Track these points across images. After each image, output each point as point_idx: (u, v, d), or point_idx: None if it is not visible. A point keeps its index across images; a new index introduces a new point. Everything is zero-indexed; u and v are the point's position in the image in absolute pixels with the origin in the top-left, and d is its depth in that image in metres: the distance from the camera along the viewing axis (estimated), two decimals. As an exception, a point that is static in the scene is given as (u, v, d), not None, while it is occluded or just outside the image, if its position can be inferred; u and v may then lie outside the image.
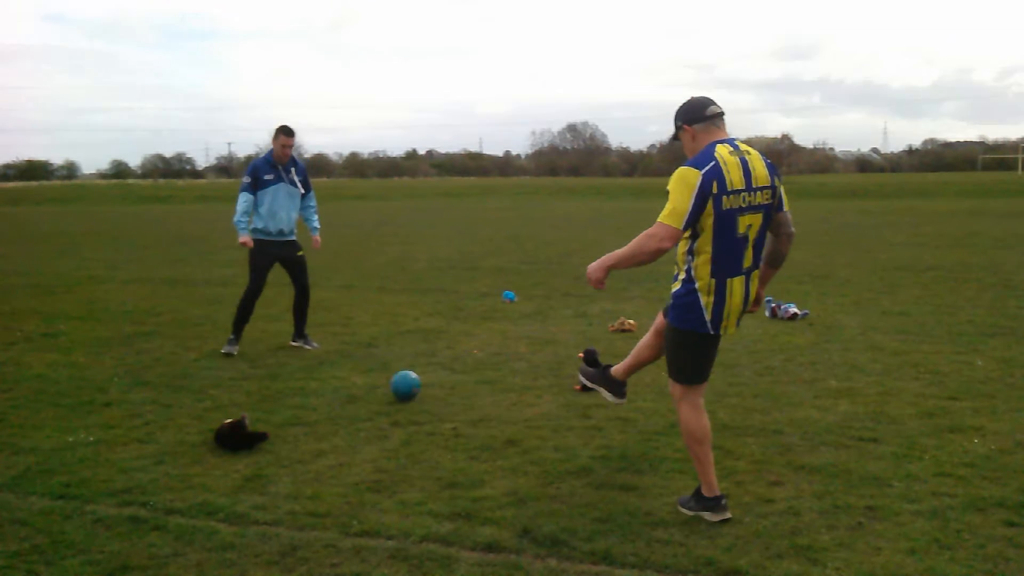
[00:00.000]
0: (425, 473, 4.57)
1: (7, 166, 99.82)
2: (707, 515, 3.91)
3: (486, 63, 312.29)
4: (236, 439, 4.96)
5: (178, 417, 5.65)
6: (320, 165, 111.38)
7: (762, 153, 3.93)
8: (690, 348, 3.90)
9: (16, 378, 6.78)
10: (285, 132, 7.55)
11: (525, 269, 14.15)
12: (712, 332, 3.85)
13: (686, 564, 3.49)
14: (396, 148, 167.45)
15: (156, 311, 10.07)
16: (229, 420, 5.11)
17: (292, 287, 7.88)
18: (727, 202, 3.70)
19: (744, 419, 5.41)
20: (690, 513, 3.97)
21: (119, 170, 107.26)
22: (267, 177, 7.55)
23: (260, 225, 7.58)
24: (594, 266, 3.86)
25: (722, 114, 3.91)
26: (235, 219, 7.50)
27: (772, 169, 3.87)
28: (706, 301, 3.80)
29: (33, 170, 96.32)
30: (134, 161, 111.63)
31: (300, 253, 7.80)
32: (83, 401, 6.06)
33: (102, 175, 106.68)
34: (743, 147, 3.84)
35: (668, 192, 3.71)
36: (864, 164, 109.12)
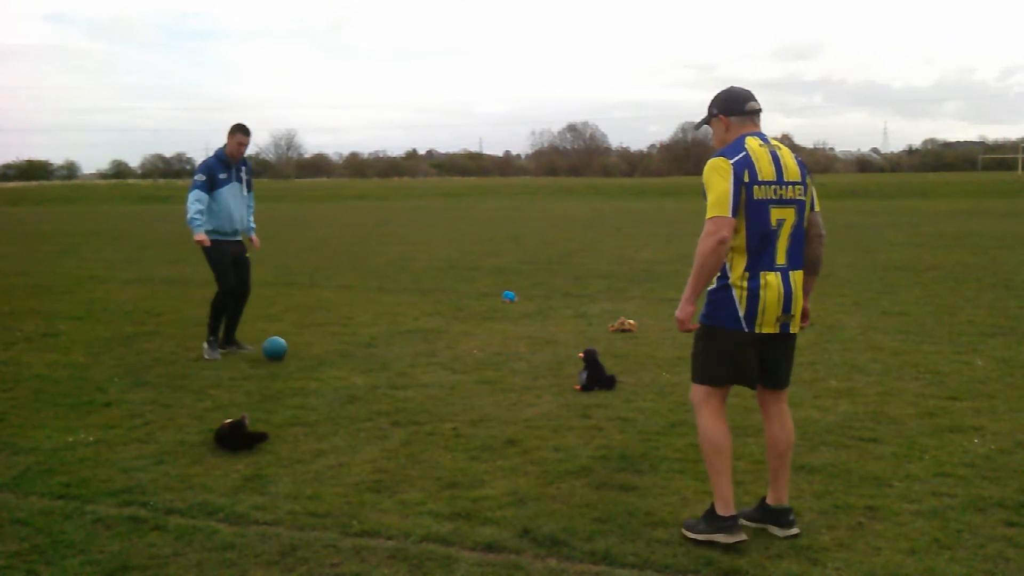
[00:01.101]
0: (425, 473, 4.57)
1: (7, 166, 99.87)
2: (721, 537, 3.60)
3: (486, 63, 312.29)
4: (236, 439, 4.96)
5: (178, 417, 5.65)
6: (320, 165, 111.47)
7: (793, 151, 3.88)
8: (715, 343, 3.73)
9: (16, 378, 6.78)
10: (243, 131, 7.56)
11: (525, 269, 14.15)
12: (746, 329, 3.66)
13: (686, 564, 3.49)
14: (396, 148, 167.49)
15: (156, 311, 10.08)
16: (229, 420, 5.11)
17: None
18: (758, 192, 3.63)
19: (744, 419, 5.40)
20: (701, 539, 3.64)
21: (119, 170, 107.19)
22: (222, 176, 7.49)
23: (216, 225, 7.51)
24: (679, 312, 3.72)
25: (760, 111, 3.86)
26: (189, 217, 7.34)
27: (803, 167, 3.81)
28: (739, 295, 3.65)
29: (33, 170, 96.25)
30: (134, 161, 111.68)
31: (247, 254, 7.80)
32: (83, 401, 6.06)
33: (102, 175, 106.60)
34: (773, 142, 3.79)
35: (704, 187, 3.66)
36: (864, 164, 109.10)
